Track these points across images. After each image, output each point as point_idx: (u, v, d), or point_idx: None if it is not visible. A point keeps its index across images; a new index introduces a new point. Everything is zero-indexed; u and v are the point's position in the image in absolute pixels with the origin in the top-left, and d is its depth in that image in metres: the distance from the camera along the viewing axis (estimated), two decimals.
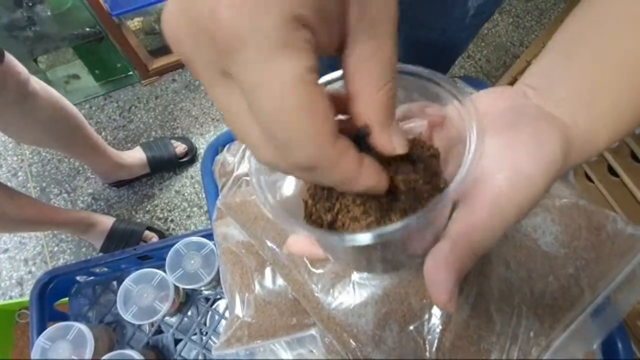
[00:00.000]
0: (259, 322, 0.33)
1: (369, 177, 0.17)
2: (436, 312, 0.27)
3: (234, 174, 0.42)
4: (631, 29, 0.22)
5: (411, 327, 0.27)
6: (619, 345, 0.36)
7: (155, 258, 0.82)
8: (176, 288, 0.75)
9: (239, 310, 0.33)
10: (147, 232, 1.08)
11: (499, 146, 0.20)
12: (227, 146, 0.46)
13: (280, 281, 0.33)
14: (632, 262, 0.27)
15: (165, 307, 0.73)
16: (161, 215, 1.15)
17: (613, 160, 0.67)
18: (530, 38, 1.41)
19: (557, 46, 0.25)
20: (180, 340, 0.76)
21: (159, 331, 0.79)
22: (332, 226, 0.20)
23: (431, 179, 0.21)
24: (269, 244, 0.32)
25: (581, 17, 0.25)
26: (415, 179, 0.20)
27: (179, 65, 1.35)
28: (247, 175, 0.42)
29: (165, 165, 1.16)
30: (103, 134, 1.27)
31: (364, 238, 0.16)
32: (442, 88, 0.20)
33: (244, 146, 0.45)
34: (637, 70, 0.22)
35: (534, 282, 0.27)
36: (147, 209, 1.15)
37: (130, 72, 1.33)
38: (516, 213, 0.19)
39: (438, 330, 0.27)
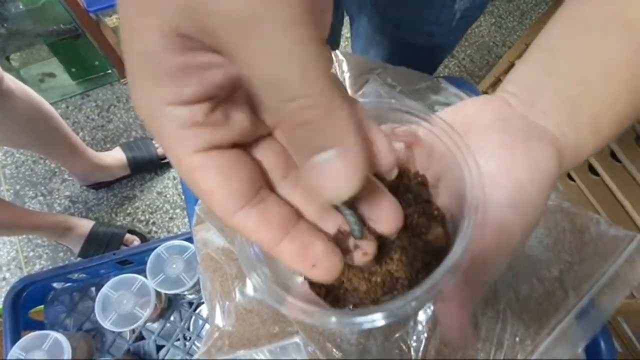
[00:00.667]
0: (240, 331, 0.32)
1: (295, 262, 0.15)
2: (421, 319, 0.27)
3: None
4: (614, 36, 0.22)
5: (396, 335, 0.27)
6: (602, 344, 0.36)
7: (135, 263, 0.80)
8: (158, 293, 0.73)
9: (219, 320, 0.32)
10: (128, 236, 1.05)
11: (497, 170, 0.20)
12: None
13: None
14: (615, 264, 0.27)
15: (146, 314, 0.71)
16: (142, 218, 1.12)
17: (594, 160, 0.68)
18: (512, 38, 1.43)
19: (539, 52, 0.25)
20: (163, 346, 0.74)
21: (141, 337, 0.76)
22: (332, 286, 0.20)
23: (424, 209, 0.21)
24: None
25: (563, 22, 0.25)
26: (409, 212, 0.20)
27: None
28: None
29: (146, 166, 1.13)
30: (81, 134, 1.22)
31: (376, 320, 0.16)
32: (410, 114, 0.20)
33: None
34: (621, 77, 0.22)
35: (519, 287, 0.27)
36: (128, 211, 1.12)
37: (109, 70, 1.30)
38: (522, 236, 0.19)
39: (423, 337, 0.26)
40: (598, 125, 0.22)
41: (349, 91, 0.39)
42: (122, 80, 1.31)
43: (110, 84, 1.31)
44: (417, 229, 0.20)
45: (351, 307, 0.20)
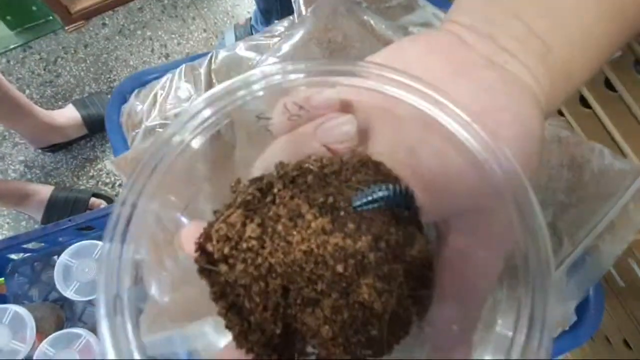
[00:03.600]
0: (179, 304, 0.27)
1: None
2: None
3: (144, 125, 0.34)
4: None
5: None
6: (591, 294, 0.33)
7: (97, 228, 0.74)
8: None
9: (153, 292, 0.27)
10: (93, 200, 0.99)
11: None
12: (135, 92, 0.37)
13: None
14: (619, 204, 0.22)
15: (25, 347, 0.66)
16: (107, 180, 1.04)
17: (585, 90, 0.62)
18: None
19: None
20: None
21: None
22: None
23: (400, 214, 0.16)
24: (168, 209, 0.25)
25: None
26: (383, 224, 0.16)
27: (108, 6, 1.16)
28: (160, 126, 0.34)
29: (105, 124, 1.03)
30: (27, 91, 1.10)
31: None
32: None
33: (155, 90, 0.36)
34: (594, 4, 0.17)
35: None
36: (91, 174, 1.04)
37: (50, 17, 1.14)
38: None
39: None
40: (571, 69, 0.18)
41: (302, 8, 0.31)
42: (67, 28, 1.16)
43: (54, 33, 1.17)
44: (397, 247, 0.16)
45: None
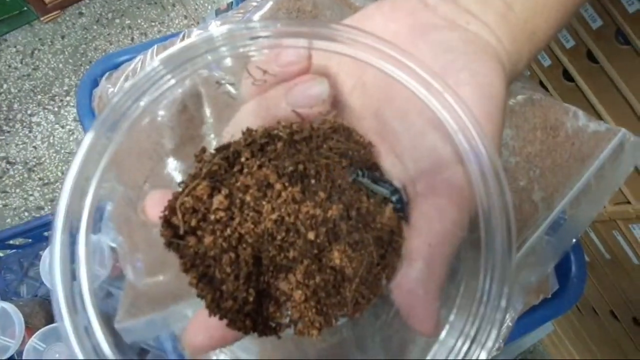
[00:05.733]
0: (157, 287, 0.27)
1: None
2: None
3: None
4: None
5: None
6: (572, 257, 0.33)
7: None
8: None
9: (130, 276, 0.27)
10: None
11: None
12: (106, 75, 0.36)
13: None
14: (594, 166, 0.22)
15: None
16: None
17: (568, 63, 0.62)
18: None
19: None
20: None
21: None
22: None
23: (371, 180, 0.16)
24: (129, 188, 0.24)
25: None
26: (357, 199, 0.15)
27: None
28: None
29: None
30: (5, 86, 1.07)
31: None
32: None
33: (126, 72, 0.35)
34: None
35: None
36: None
37: (25, 8, 1.10)
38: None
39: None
40: (534, 28, 0.18)
41: None
42: (42, 19, 1.12)
43: (29, 24, 1.13)
44: (368, 214, 0.16)
45: (290, 327, 0.15)
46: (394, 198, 0.15)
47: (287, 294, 0.15)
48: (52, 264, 0.14)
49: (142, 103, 0.15)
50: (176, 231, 0.15)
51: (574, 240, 0.22)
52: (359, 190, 0.16)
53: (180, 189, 0.15)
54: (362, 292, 0.15)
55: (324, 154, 0.15)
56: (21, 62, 1.10)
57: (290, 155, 0.15)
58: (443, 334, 0.13)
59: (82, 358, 0.13)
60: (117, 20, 1.14)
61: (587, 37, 0.57)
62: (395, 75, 0.14)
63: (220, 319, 0.14)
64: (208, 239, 0.14)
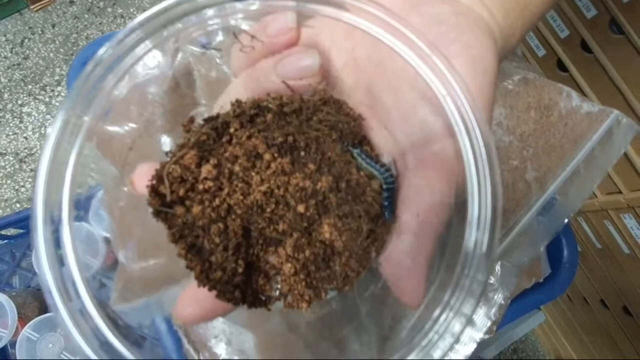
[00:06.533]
0: (150, 270, 0.27)
1: None
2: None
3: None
4: None
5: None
6: (563, 241, 0.34)
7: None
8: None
9: (122, 259, 0.27)
10: None
11: None
12: None
13: None
14: (587, 146, 0.22)
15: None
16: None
17: (562, 53, 0.62)
18: None
19: None
20: None
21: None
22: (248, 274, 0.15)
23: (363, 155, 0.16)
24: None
25: None
26: (347, 171, 0.15)
27: None
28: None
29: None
30: None
31: None
32: None
33: None
34: None
35: None
36: None
37: None
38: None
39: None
40: (526, 2, 0.18)
41: None
42: (32, 7, 1.10)
43: (19, 13, 1.11)
44: (357, 187, 0.15)
45: (280, 300, 0.15)
46: (383, 177, 0.15)
47: (276, 267, 0.15)
48: (37, 254, 0.14)
49: (118, 74, 0.14)
50: (164, 200, 0.15)
51: (565, 220, 0.23)
52: (349, 162, 0.16)
53: (167, 159, 0.15)
54: (352, 265, 0.15)
55: (314, 126, 0.15)
56: (11, 52, 1.08)
57: (279, 127, 0.15)
58: (424, 304, 0.13)
59: (82, 343, 0.13)
60: (109, 9, 1.12)
61: (581, 26, 0.57)
62: (389, 42, 0.14)
63: (210, 290, 0.14)
64: (196, 209, 0.14)
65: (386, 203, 0.15)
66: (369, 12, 0.14)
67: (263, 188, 0.14)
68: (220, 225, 0.14)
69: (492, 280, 0.21)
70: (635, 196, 0.58)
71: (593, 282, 0.79)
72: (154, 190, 0.15)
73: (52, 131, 0.15)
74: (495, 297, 0.21)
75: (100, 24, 1.11)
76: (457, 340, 0.12)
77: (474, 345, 0.22)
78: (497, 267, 0.22)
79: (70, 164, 0.14)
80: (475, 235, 0.13)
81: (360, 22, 0.14)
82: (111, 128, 0.30)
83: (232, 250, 0.14)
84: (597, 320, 0.80)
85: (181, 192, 0.14)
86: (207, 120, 0.15)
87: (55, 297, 0.13)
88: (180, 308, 0.15)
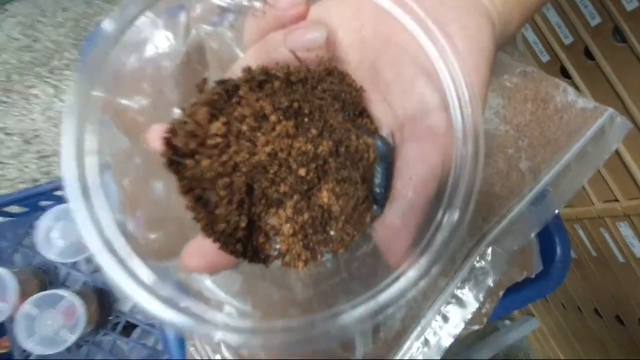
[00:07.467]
0: (157, 243, 0.27)
1: None
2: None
3: None
4: None
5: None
6: (556, 239, 0.34)
7: None
8: (20, 281, 0.67)
9: (130, 228, 0.28)
10: None
11: None
12: None
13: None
14: (581, 141, 0.23)
15: (8, 306, 0.65)
16: None
17: (565, 59, 0.63)
18: None
19: None
20: None
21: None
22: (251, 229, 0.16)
23: (360, 125, 0.17)
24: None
25: None
26: (342, 131, 0.16)
27: None
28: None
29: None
30: (4, 56, 1.06)
31: None
32: None
33: None
34: None
35: None
36: None
37: None
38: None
39: None
40: None
41: None
42: None
43: None
44: (356, 153, 0.16)
45: (278, 259, 0.16)
46: (378, 142, 0.16)
47: (276, 228, 0.16)
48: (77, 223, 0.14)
49: (130, 47, 0.15)
50: (176, 152, 0.16)
51: (556, 211, 0.23)
52: (349, 130, 0.16)
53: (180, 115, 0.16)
54: (347, 230, 0.16)
55: (318, 95, 0.16)
56: (20, 33, 1.09)
57: (286, 94, 0.16)
58: (405, 265, 0.14)
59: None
60: None
61: (585, 34, 0.58)
62: (396, 14, 0.15)
63: (214, 242, 0.15)
64: (205, 162, 0.15)
65: (380, 175, 0.16)
66: None
67: (268, 149, 0.15)
68: (227, 179, 0.15)
69: (483, 263, 0.22)
70: (632, 204, 0.59)
71: (587, 289, 0.79)
72: (168, 143, 0.15)
73: (71, 104, 0.16)
74: (486, 280, 0.22)
75: (110, 10, 1.12)
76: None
77: (462, 325, 0.22)
78: (489, 252, 0.23)
79: (93, 137, 0.15)
80: (447, 205, 0.14)
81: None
82: (124, 101, 0.31)
83: (235, 204, 0.15)
84: (590, 329, 0.81)
85: (192, 145, 0.15)
86: (219, 82, 0.16)
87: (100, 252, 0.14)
88: (186, 259, 0.16)
